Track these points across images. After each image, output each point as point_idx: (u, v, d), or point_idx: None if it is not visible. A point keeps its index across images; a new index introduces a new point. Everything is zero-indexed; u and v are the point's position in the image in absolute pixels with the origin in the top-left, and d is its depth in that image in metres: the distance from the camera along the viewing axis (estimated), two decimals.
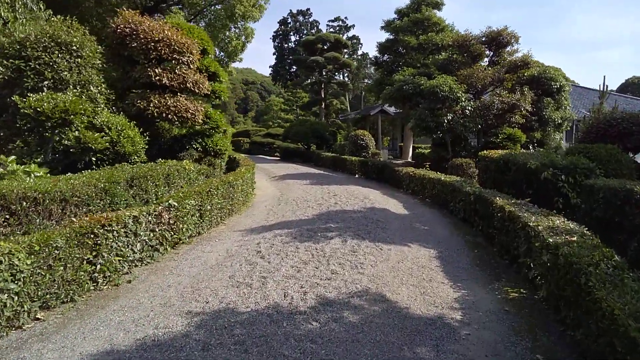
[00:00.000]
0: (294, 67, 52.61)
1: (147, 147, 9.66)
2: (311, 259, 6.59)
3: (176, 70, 10.69)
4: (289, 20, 63.51)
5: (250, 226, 8.79)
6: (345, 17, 66.00)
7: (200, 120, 11.39)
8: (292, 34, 62.63)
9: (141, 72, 10.34)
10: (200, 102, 11.80)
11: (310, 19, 63.83)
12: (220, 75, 13.48)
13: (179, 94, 11.03)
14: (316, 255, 6.77)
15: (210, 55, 13.44)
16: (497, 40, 17.99)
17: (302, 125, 27.70)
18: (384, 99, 18.20)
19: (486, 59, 19.22)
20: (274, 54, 60.94)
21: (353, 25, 69.14)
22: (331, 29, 68.16)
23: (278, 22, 63.24)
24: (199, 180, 10.14)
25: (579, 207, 7.13)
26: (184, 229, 7.13)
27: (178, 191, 7.85)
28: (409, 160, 26.74)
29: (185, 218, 7.15)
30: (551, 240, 4.77)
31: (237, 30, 22.41)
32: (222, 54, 22.41)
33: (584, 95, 26.56)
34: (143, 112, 9.98)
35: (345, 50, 39.05)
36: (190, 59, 11.01)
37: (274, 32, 62.42)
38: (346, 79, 54.29)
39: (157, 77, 10.25)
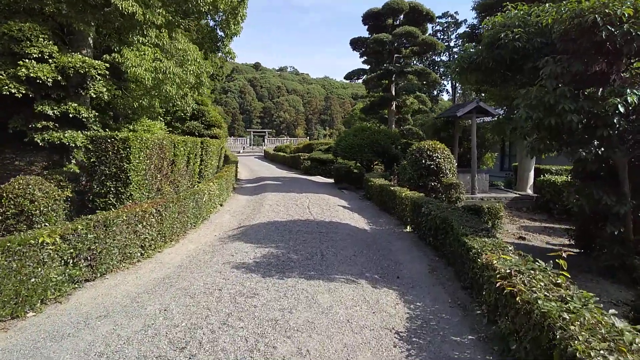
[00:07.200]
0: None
1: None
2: None
3: None
4: None
5: None
6: (456, 12, 54.97)
7: None
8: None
9: None
10: None
11: None
12: None
13: None
14: None
15: None
16: None
17: (357, 135, 18.77)
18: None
19: None
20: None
21: (465, 20, 57.86)
22: (438, 26, 57.98)
23: None
24: None
25: None
26: None
27: None
28: (528, 192, 15.77)
29: None
30: None
31: None
32: (212, 23, 15.30)
33: None
34: None
35: (430, 26, 28.38)
36: None
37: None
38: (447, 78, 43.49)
39: None
